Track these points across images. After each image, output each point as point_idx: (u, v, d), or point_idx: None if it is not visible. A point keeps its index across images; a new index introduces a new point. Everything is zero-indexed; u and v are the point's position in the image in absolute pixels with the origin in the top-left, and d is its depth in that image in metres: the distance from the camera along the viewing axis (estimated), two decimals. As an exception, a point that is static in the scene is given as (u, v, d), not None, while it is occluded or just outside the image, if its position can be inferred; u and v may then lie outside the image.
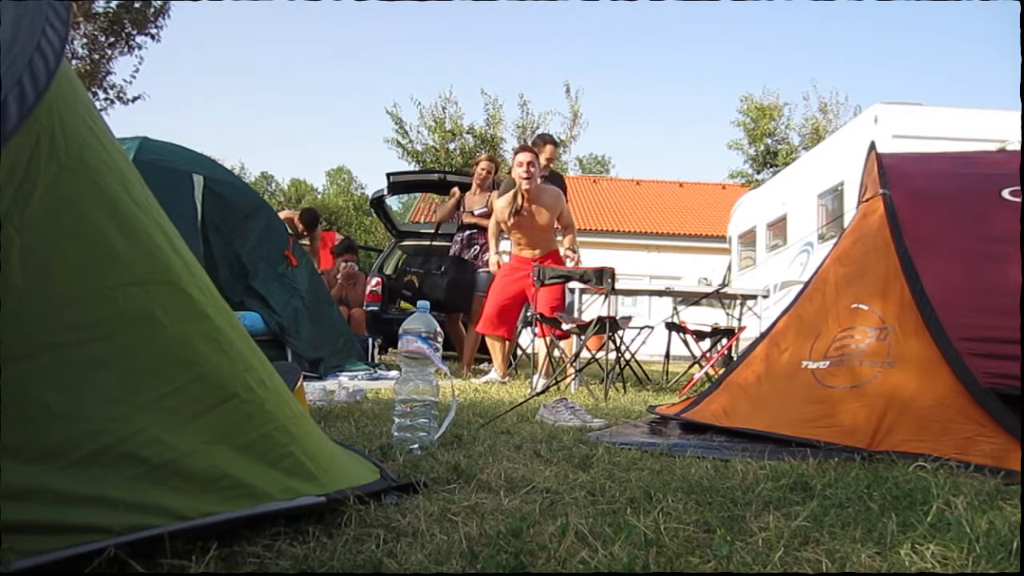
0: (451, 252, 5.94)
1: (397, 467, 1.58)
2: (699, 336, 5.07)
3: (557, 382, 4.05)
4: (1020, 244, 1.72)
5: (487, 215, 5.33)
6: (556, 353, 4.51)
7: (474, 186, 5.92)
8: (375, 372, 4.88)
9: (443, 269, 5.80)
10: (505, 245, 5.05)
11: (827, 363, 2.15)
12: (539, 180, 4.58)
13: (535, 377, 4.38)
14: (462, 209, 5.97)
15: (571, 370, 4.30)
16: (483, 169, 5.87)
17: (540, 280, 4.30)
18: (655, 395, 4.09)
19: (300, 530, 1.05)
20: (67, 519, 0.80)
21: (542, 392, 3.44)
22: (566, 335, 4.60)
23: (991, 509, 1.26)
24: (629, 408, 3.20)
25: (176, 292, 1.05)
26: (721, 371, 3.74)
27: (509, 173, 4.76)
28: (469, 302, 5.63)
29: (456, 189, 6.18)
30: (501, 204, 4.65)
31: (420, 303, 2.04)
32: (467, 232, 5.86)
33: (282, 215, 5.92)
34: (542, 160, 5.32)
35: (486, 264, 5.25)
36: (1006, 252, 1.92)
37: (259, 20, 78.13)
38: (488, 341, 4.79)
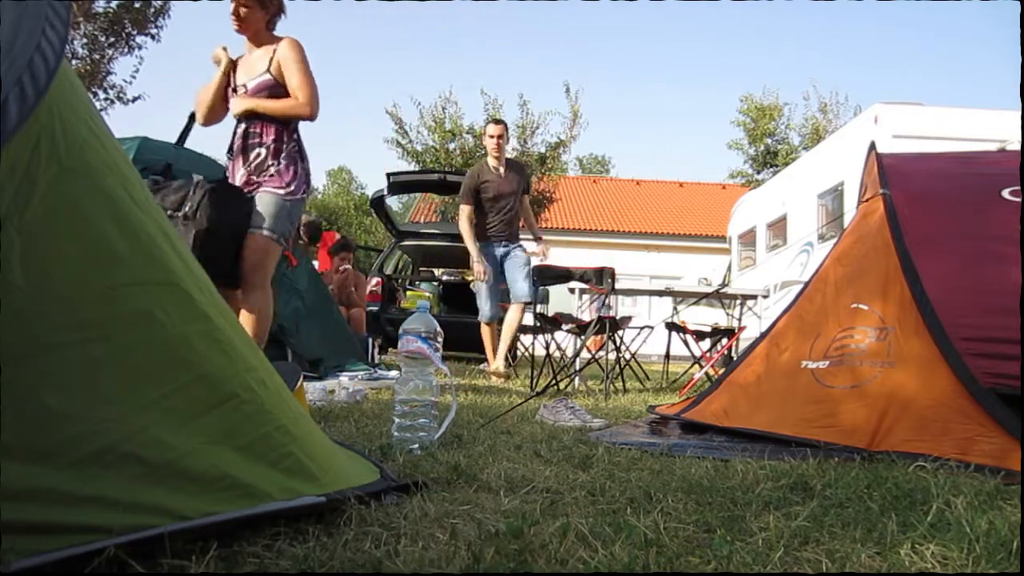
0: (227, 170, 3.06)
1: (397, 467, 1.58)
2: (699, 336, 5.08)
3: (557, 382, 4.05)
4: (1020, 244, 1.72)
5: None
6: (556, 353, 4.51)
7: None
8: (375, 372, 4.88)
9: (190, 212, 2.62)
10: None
11: (827, 363, 2.15)
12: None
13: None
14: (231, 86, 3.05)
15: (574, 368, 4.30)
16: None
17: (540, 280, 4.30)
18: (655, 395, 4.09)
19: (300, 530, 1.05)
20: (67, 519, 0.80)
21: (542, 392, 3.44)
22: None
23: (991, 509, 1.26)
24: (629, 408, 3.20)
25: (176, 292, 1.05)
26: (721, 371, 3.74)
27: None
28: (236, 259, 2.70)
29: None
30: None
31: (420, 303, 2.04)
32: (243, 125, 2.98)
33: None
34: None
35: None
36: (1006, 252, 1.92)
37: (259, 20, 77.81)
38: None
